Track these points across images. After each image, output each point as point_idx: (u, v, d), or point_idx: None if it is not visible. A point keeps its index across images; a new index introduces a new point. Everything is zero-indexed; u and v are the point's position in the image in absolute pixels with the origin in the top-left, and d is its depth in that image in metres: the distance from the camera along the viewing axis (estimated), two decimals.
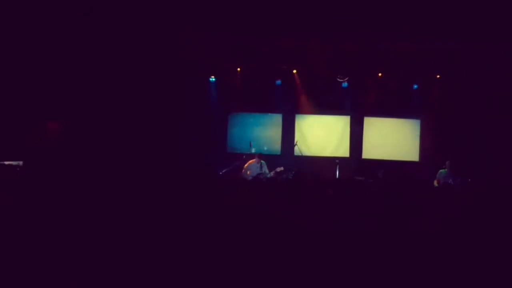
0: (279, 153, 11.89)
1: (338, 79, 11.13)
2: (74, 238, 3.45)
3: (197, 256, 3.25)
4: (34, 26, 8.45)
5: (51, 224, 3.65)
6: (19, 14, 8.27)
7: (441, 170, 9.99)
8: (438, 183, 9.76)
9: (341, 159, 11.05)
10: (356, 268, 3.17)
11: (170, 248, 3.33)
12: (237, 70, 11.40)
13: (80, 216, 3.78)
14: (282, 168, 10.17)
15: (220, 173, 10.12)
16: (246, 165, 10.15)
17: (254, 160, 10.19)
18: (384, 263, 3.10)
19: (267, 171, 10.01)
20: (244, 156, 10.60)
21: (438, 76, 11.11)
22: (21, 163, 7.47)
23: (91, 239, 3.42)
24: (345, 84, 11.32)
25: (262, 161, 10.15)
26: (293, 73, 11.44)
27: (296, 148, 11.04)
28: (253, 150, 10.67)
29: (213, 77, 11.56)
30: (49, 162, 8.56)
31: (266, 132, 12.08)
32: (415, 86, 11.45)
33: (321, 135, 12.01)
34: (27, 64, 8.71)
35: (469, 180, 9.10)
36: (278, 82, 11.56)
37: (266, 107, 11.94)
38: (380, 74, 11.18)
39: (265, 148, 11.53)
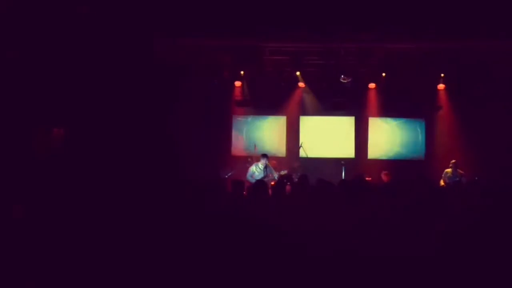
0: (284, 155, 11.88)
1: (342, 80, 11.09)
2: (78, 242, 3.44)
3: (196, 265, 3.23)
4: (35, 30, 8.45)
5: (55, 230, 3.65)
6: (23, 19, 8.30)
7: (446, 170, 9.94)
8: (444, 182, 9.73)
9: (347, 160, 11.03)
10: (366, 275, 3.13)
11: (171, 256, 3.31)
12: (241, 73, 11.40)
13: (84, 221, 3.77)
14: (286, 172, 10.06)
15: (226, 176, 10.09)
16: (251, 167, 9.83)
17: (259, 162, 9.79)
18: (398, 268, 3.06)
19: (274, 173, 9.65)
20: (248, 159, 10.57)
21: (442, 75, 11.09)
22: None
23: (94, 244, 3.41)
24: (348, 85, 11.28)
25: (267, 163, 9.72)
26: (296, 74, 11.43)
27: (301, 150, 11.01)
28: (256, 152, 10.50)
29: (216, 80, 11.56)
30: (54, 168, 8.57)
31: (270, 134, 12.07)
32: (419, 86, 11.40)
33: (326, 136, 11.98)
34: (30, 70, 8.70)
35: (476, 178, 9.07)
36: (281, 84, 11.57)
37: (270, 109, 11.94)
38: (383, 74, 11.15)
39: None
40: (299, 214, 4.01)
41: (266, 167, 9.65)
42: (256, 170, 9.67)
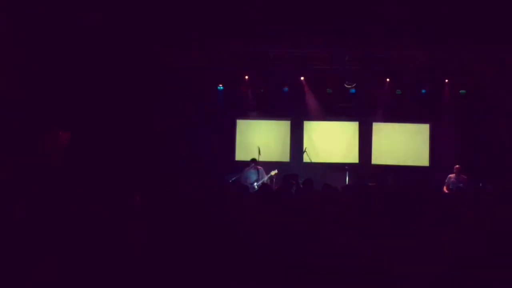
0: (288, 160, 11.88)
1: (346, 85, 11.10)
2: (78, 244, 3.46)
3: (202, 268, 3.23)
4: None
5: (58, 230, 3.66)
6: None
7: (450, 175, 9.92)
8: (447, 188, 9.71)
9: (351, 165, 11.01)
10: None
11: (174, 258, 3.32)
12: (245, 78, 11.42)
13: (86, 224, 3.79)
14: (276, 171, 10.04)
15: (230, 181, 10.10)
16: (243, 173, 10.03)
17: (250, 167, 10.03)
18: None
19: (264, 176, 9.86)
20: (252, 164, 10.56)
21: (446, 81, 11.09)
22: None
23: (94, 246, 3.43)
24: (353, 90, 11.28)
25: (258, 167, 9.99)
26: (300, 79, 11.44)
27: (305, 154, 10.99)
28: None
29: (221, 85, 11.58)
30: (61, 172, 8.62)
31: (274, 138, 12.08)
32: (424, 91, 11.37)
33: (330, 141, 11.97)
34: (38, 74, 8.77)
35: (480, 184, 9.06)
36: (285, 89, 11.55)
37: (274, 114, 11.96)
38: (388, 80, 11.16)
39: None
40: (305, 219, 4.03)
41: (257, 171, 9.94)
42: (249, 175, 9.92)
